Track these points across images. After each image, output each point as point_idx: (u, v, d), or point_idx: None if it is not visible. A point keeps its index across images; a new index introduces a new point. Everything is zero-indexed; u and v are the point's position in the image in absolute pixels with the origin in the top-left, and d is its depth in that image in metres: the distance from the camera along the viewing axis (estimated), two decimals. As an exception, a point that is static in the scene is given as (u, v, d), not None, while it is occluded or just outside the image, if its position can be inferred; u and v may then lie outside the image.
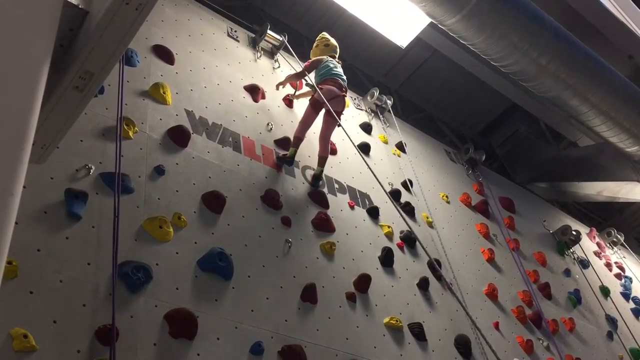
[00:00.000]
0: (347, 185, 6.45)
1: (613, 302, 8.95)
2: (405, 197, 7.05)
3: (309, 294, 4.96)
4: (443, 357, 5.62)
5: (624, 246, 10.91)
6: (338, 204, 6.11)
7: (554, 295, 7.93)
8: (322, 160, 6.03)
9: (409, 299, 5.89)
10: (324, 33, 6.89)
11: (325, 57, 6.40)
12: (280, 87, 6.63)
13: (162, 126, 5.06)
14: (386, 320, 5.42)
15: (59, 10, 2.50)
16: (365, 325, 5.22)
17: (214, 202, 4.87)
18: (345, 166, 6.64)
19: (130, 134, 4.70)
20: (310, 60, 6.43)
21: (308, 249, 5.36)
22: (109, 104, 4.73)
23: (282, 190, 5.61)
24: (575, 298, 8.26)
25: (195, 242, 4.50)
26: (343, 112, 6.27)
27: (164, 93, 5.29)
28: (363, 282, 5.51)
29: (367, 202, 6.49)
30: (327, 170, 6.37)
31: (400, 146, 7.87)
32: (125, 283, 3.83)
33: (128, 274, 3.85)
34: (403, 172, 7.44)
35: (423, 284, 6.13)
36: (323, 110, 6.05)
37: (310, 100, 6.16)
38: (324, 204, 5.93)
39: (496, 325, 6.55)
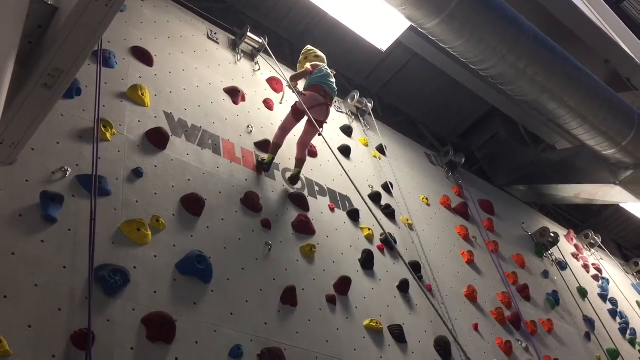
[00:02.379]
0: (328, 188, 6.45)
1: (590, 303, 9.06)
2: (385, 199, 7.06)
3: (289, 297, 4.94)
4: (423, 359, 5.63)
5: (602, 248, 11.06)
6: (318, 206, 6.11)
7: (533, 297, 8.01)
8: (299, 162, 5.98)
9: (389, 301, 5.90)
10: (309, 46, 6.74)
11: (319, 64, 6.29)
12: (284, 95, 6.74)
13: (141, 128, 5.01)
14: (366, 322, 5.43)
15: (27, 6, 2.46)
16: (345, 328, 5.22)
17: (193, 204, 4.83)
18: (325, 169, 6.64)
19: (108, 136, 4.65)
20: (312, 64, 6.29)
21: (288, 252, 5.35)
22: (86, 106, 4.67)
23: (262, 192, 5.60)
24: (554, 299, 8.34)
25: (174, 245, 4.46)
26: (326, 121, 6.03)
27: (143, 95, 5.24)
28: (343, 284, 5.51)
29: (348, 205, 6.49)
30: (308, 173, 6.37)
31: (381, 149, 7.89)
32: (102, 287, 3.79)
33: (105, 278, 3.80)
34: (383, 174, 7.47)
35: (403, 286, 6.15)
36: (305, 118, 5.94)
37: (292, 110, 5.95)
38: (304, 206, 5.92)
39: (476, 327, 6.58)
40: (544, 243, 9.37)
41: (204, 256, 4.50)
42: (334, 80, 6.22)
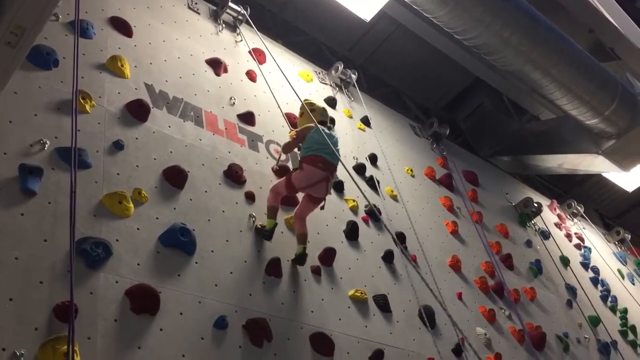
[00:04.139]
0: (312, 160, 6.41)
1: (573, 271, 9.19)
2: (370, 171, 7.06)
3: (274, 268, 4.95)
4: (407, 328, 5.70)
5: (584, 217, 11.19)
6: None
7: (516, 266, 8.10)
8: (302, 238, 5.16)
9: (374, 272, 5.93)
10: (305, 99, 5.84)
11: (312, 125, 5.24)
12: (276, 165, 5.79)
13: (121, 100, 4.94)
14: (351, 292, 5.46)
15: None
16: (330, 298, 5.25)
17: (175, 177, 4.79)
18: (309, 140, 6.60)
19: (87, 107, 4.57)
20: (297, 130, 5.46)
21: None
22: (64, 77, 4.59)
23: (246, 164, 5.56)
24: (536, 268, 8.44)
25: (157, 218, 4.44)
26: (325, 198, 5.21)
27: (122, 66, 5.15)
28: (328, 255, 5.53)
29: (332, 177, 6.47)
30: (292, 145, 6.31)
31: (365, 120, 7.86)
32: (84, 259, 3.76)
33: (87, 250, 3.77)
34: (368, 146, 7.45)
35: (388, 257, 6.18)
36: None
37: (286, 177, 5.20)
38: (289, 178, 5.89)
39: (459, 296, 6.65)
40: (527, 213, 9.46)
41: (187, 228, 4.48)
42: (335, 137, 5.32)
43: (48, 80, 4.51)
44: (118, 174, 4.42)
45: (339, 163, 5.11)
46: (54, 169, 4.05)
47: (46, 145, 4.11)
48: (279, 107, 6.34)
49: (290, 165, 5.96)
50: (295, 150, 5.67)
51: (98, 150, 4.42)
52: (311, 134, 5.19)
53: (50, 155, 4.11)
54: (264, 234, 5.06)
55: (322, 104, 5.80)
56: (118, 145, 4.56)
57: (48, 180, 3.97)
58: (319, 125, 5.12)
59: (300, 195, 5.40)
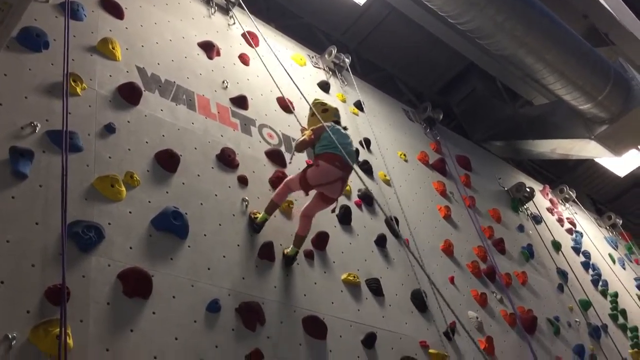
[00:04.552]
0: (305, 144, 6.40)
1: (564, 256, 9.25)
2: (363, 155, 7.05)
3: (267, 252, 4.96)
4: (400, 311, 5.73)
5: (576, 202, 11.25)
6: (296, 162, 6.05)
7: (508, 250, 8.14)
8: (298, 240, 5.06)
9: (367, 256, 5.94)
10: (316, 98, 5.69)
11: (328, 123, 5.09)
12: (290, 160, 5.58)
13: (112, 83, 4.90)
14: (344, 276, 5.48)
15: None
16: (323, 282, 5.27)
17: (167, 160, 4.77)
18: (302, 124, 6.57)
19: (78, 90, 4.53)
20: (313, 128, 5.11)
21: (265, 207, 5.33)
22: (54, 60, 4.54)
23: (239, 148, 5.54)
24: (528, 252, 8.50)
25: (149, 201, 4.42)
26: (337, 199, 5.12)
27: (114, 49, 5.11)
28: (321, 239, 5.53)
29: (325, 161, 6.45)
30: (285, 129, 6.32)
31: (359, 105, 7.84)
32: (76, 243, 3.75)
33: (79, 234, 3.76)
34: (361, 131, 7.43)
35: (381, 241, 6.19)
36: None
37: (300, 175, 4.97)
38: (282, 162, 5.88)
39: (452, 280, 6.69)
40: (519, 198, 9.50)
41: (180, 212, 4.47)
42: (348, 138, 5.14)
43: (38, 62, 4.47)
44: (110, 157, 4.40)
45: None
46: (45, 152, 4.02)
47: (37, 128, 4.08)
48: (280, 90, 6.30)
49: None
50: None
51: (89, 133, 4.39)
52: (327, 133, 4.98)
53: (41, 138, 4.08)
54: (254, 226, 5.02)
55: (334, 103, 5.55)
56: (110, 129, 4.53)
57: (39, 164, 3.94)
58: (335, 125, 5.06)
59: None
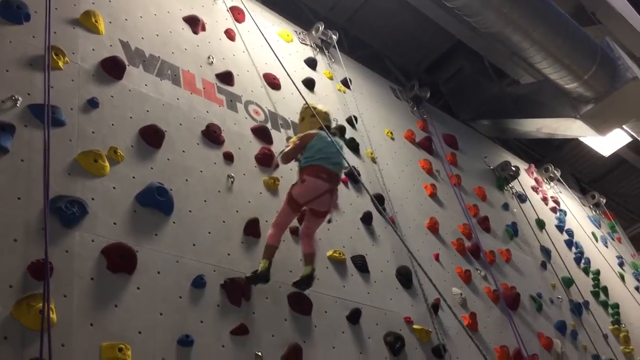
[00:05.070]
0: (291, 121, 6.37)
1: (548, 234, 9.34)
2: (349, 133, 7.03)
3: (252, 229, 4.95)
4: (385, 288, 5.77)
5: (560, 181, 11.35)
6: (282, 139, 6.04)
7: (493, 228, 8.21)
8: (309, 258, 4.75)
9: (353, 233, 5.96)
10: (305, 103, 5.41)
11: (315, 131, 4.86)
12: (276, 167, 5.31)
13: (95, 57, 4.82)
14: (329, 253, 5.49)
15: None
16: (308, 259, 5.27)
17: (152, 136, 4.72)
18: (289, 102, 6.54)
19: (60, 64, 4.46)
20: (300, 136, 4.90)
21: (251, 184, 5.32)
22: (35, 32, 4.46)
23: (225, 125, 5.50)
24: (512, 230, 8.57)
25: (134, 177, 4.38)
26: (331, 212, 4.86)
27: (97, 22, 5.02)
28: (307, 216, 5.53)
29: (312, 138, 6.44)
30: (271, 106, 6.28)
31: (346, 82, 7.80)
32: (59, 218, 3.72)
33: (62, 209, 3.73)
34: (348, 108, 7.41)
35: (366, 219, 6.21)
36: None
37: (287, 197, 4.73)
38: (268, 139, 5.86)
39: (436, 257, 6.74)
40: (505, 177, 9.54)
41: (165, 188, 4.44)
42: (340, 144, 4.92)
43: (19, 35, 4.38)
44: (93, 132, 4.35)
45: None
46: (26, 126, 3.97)
47: (18, 102, 4.01)
48: (285, 68, 6.25)
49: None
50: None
51: (72, 107, 4.33)
52: (313, 142, 4.73)
53: (23, 112, 4.01)
54: (258, 278, 4.49)
55: (325, 107, 5.26)
56: (93, 103, 4.47)
57: (21, 138, 3.88)
58: (321, 132, 4.78)
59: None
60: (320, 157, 4.67)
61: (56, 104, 4.18)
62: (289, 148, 4.88)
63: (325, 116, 5.06)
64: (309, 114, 5.05)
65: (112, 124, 4.53)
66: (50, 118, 3.96)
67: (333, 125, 5.23)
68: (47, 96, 4.05)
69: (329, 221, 4.96)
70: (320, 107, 5.19)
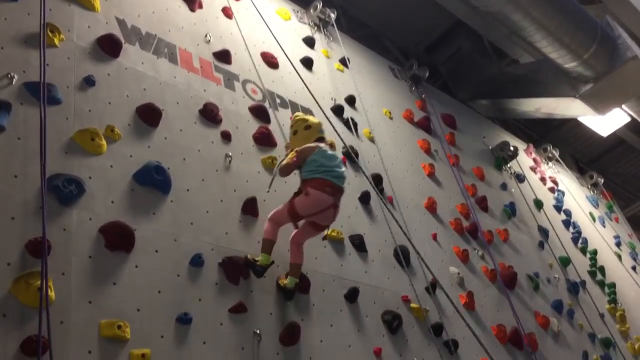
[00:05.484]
0: (289, 100, 6.35)
1: (546, 214, 9.36)
2: (348, 112, 7.01)
3: (250, 207, 4.95)
4: (382, 267, 5.79)
5: (559, 161, 11.34)
6: (280, 118, 6.02)
7: (491, 208, 8.22)
8: (295, 269, 4.68)
9: (351, 212, 5.96)
10: (297, 114, 5.36)
11: (314, 144, 4.77)
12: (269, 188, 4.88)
13: (91, 35, 4.78)
14: (327, 232, 5.49)
15: None
16: (306, 237, 5.28)
17: (149, 114, 4.70)
18: (287, 80, 6.51)
19: (56, 41, 4.42)
20: (298, 150, 4.73)
21: (249, 164, 5.31)
22: (30, 9, 4.40)
23: (222, 104, 5.47)
24: (510, 210, 8.58)
25: (131, 156, 4.37)
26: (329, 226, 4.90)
27: (92, -1, 4.97)
28: (305, 195, 5.53)
29: (310, 117, 6.41)
30: (269, 85, 6.25)
31: (344, 61, 7.75)
32: (57, 196, 3.72)
33: (59, 187, 3.72)
34: (346, 87, 7.37)
35: (364, 198, 6.21)
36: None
37: (288, 206, 4.62)
38: (265, 118, 5.83)
39: (434, 237, 6.75)
40: (503, 157, 9.53)
41: (162, 167, 4.43)
42: (337, 160, 4.82)
43: (14, 12, 4.33)
44: (90, 110, 4.32)
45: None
46: (22, 104, 3.94)
47: (14, 80, 3.98)
48: (282, 47, 6.20)
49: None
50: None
51: (68, 85, 4.30)
52: (314, 156, 4.66)
53: (19, 89, 3.99)
54: (255, 270, 4.48)
55: (316, 118, 5.18)
56: (89, 81, 4.44)
57: (17, 116, 3.86)
58: (321, 147, 4.71)
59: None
60: (324, 171, 4.61)
61: (52, 81, 4.15)
62: (286, 161, 4.76)
63: (319, 127, 4.96)
64: (302, 126, 4.92)
65: (109, 103, 4.50)
66: (46, 96, 3.93)
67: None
68: (43, 74, 4.02)
69: (324, 238, 4.98)
70: (312, 118, 5.08)
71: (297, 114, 5.34)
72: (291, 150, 4.86)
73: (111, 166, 4.19)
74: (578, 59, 8.07)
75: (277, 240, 4.64)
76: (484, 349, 3.51)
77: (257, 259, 4.52)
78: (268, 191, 4.84)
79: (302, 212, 4.58)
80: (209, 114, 5.24)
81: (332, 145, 4.96)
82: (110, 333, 3.46)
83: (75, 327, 3.37)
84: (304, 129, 4.92)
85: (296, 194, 4.66)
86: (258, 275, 4.50)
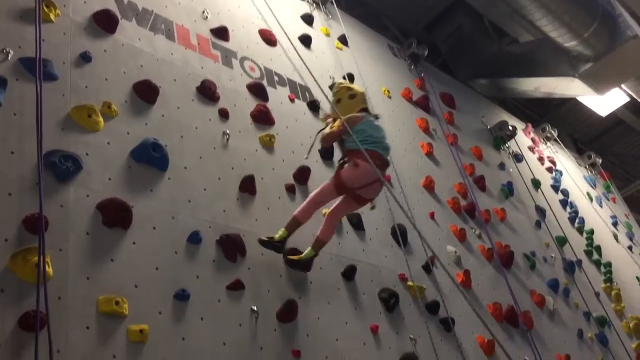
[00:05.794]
0: (288, 78, 6.32)
1: (543, 193, 9.37)
2: (346, 91, 6.96)
3: (248, 185, 4.94)
4: (380, 245, 5.80)
5: (557, 141, 11.33)
6: (278, 96, 6.00)
7: (488, 187, 8.22)
8: (319, 244, 4.66)
9: (348, 191, 5.96)
10: (340, 81, 5.15)
11: (361, 114, 4.64)
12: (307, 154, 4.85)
13: (87, 10, 4.73)
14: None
15: None
16: (304, 216, 5.28)
17: (146, 91, 4.67)
18: (285, 58, 6.47)
19: (52, 17, 4.38)
20: (346, 118, 4.54)
21: (247, 141, 5.29)
22: (25, -17, 4.35)
23: (220, 81, 5.44)
24: (508, 190, 8.59)
25: (128, 133, 4.35)
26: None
27: (88, -26, 4.91)
28: (303, 174, 5.52)
29: (308, 96, 6.39)
30: (267, 62, 6.22)
31: (343, 39, 7.70)
32: (53, 172, 3.70)
33: (55, 163, 3.71)
34: (345, 66, 7.32)
35: (362, 176, 6.20)
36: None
37: (335, 180, 4.51)
38: (263, 96, 5.80)
39: (432, 215, 6.77)
40: (502, 136, 9.52)
41: (160, 144, 4.41)
42: (383, 131, 4.71)
43: (8, -14, 4.29)
44: (86, 86, 4.29)
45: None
46: (18, 79, 3.91)
47: (9, 55, 3.95)
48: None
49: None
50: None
51: (64, 61, 4.26)
52: (362, 126, 4.50)
53: (14, 65, 3.96)
54: (276, 247, 4.46)
55: (360, 87, 4.97)
56: (85, 57, 4.41)
57: (12, 92, 3.83)
58: (369, 116, 4.60)
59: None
60: (373, 142, 4.47)
61: (48, 57, 4.12)
62: (330, 130, 4.61)
63: (363, 97, 4.80)
64: (346, 94, 4.75)
65: (106, 79, 4.47)
66: (42, 72, 3.90)
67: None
68: (39, 49, 3.98)
69: (372, 208, 4.90)
70: (356, 87, 4.87)
71: (340, 81, 5.14)
72: (332, 120, 4.72)
73: (108, 143, 4.17)
74: (578, 38, 8.02)
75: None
76: (483, 325, 3.52)
77: (272, 236, 4.51)
78: (307, 157, 4.85)
79: (350, 184, 4.45)
80: (207, 92, 5.21)
81: (376, 117, 4.80)
82: (108, 309, 3.48)
83: (73, 302, 3.38)
84: (348, 98, 4.75)
85: (340, 166, 4.54)
86: (279, 251, 4.49)
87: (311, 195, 4.66)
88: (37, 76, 3.84)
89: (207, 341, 3.87)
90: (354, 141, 4.38)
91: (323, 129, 4.77)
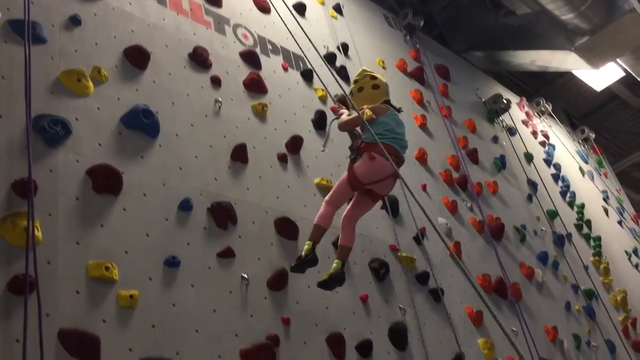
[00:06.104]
0: (281, 46, 6.25)
1: (535, 167, 9.40)
2: (340, 61, 6.91)
3: (240, 154, 4.92)
4: (371, 216, 5.73)
5: (551, 115, 11.33)
6: (271, 65, 5.94)
7: (481, 160, 8.23)
8: (343, 252, 4.37)
9: (341, 161, 5.91)
10: (364, 68, 4.93)
11: (386, 106, 4.51)
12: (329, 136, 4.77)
13: (77, -28, 4.64)
14: (317, 180, 5.50)
15: None
16: (296, 185, 5.29)
17: (137, 57, 4.61)
18: (279, 26, 6.35)
19: (40, -22, 4.29)
20: (371, 108, 4.39)
21: (239, 110, 5.25)
22: (12, -56, 4.25)
23: (212, 48, 5.37)
24: (500, 163, 8.61)
25: (118, 98, 4.30)
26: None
27: None
28: (295, 143, 5.51)
29: (302, 65, 6.34)
30: (260, 30, 6.14)
31: (338, 8, 7.61)
32: (42, 137, 3.66)
33: (45, 128, 3.67)
34: (339, 35, 7.25)
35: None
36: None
37: (349, 175, 4.35)
38: (257, 64, 5.74)
39: (424, 187, 6.78)
40: (496, 109, 9.50)
41: (151, 110, 4.37)
42: (403, 126, 4.55)
43: (-5, -54, 4.19)
44: (76, 50, 4.23)
45: None
46: (6, 42, 3.85)
47: (-3, 17, 3.89)
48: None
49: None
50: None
51: (53, 24, 4.19)
52: (385, 118, 4.35)
53: (3, 27, 3.88)
54: (305, 264, 4.23)
55: (383, 77, 4.75)
56: (75, 21, 4.33)
57: (1, 55, 3.77)
58: (392, 110, 4.45)
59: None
60: (393, 137, 4.32)
61: (37, 20, 4.04)
62: (348, 118, 4.49)
63: (387, 89, 4.65)
64: (370, 84, 4.59)
65: (96, 43, 4.41)
66: (30, 34, 3.83)
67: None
68: (28, 12, 3.91)
69: (383, 207, 4.69)
70: (380, 77, 4.71)
71: (364, 68, 5.01)
72: (343, 107, 4.61)
73: (98, 108, 4.13)
74: (575, 11, 7.96)
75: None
76: (478, 294, 3.54)
77: (300, 255, 4.29)
78: (323, 150, 4.79)
79: (364, 179, 4.28)
80: (199, 58, 5.15)
81: (399, 110, 4.66)
82: (98, 274, 3.48)
83: (62, 267, 3.38)
84: (372, 88, 4.61)
85: (353, 161, 4.39)
86: (314, 263, 4.23)
87: (326, 197, 4.51)
88: (25, 39, 3.78)
89: (197, 308, 3.88)
90: (372, 134, 4.17)
91: (337, 117, 4.66)
